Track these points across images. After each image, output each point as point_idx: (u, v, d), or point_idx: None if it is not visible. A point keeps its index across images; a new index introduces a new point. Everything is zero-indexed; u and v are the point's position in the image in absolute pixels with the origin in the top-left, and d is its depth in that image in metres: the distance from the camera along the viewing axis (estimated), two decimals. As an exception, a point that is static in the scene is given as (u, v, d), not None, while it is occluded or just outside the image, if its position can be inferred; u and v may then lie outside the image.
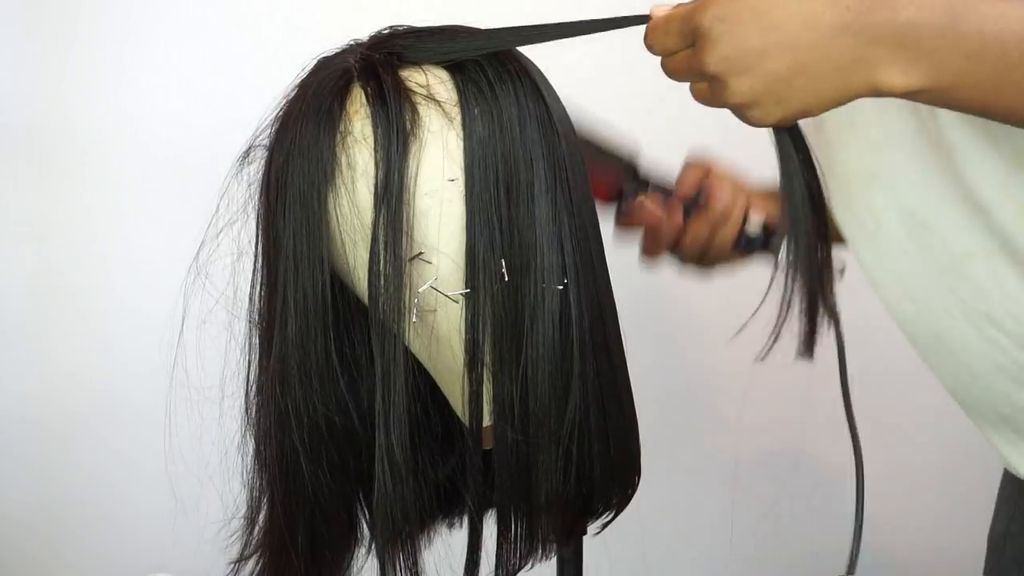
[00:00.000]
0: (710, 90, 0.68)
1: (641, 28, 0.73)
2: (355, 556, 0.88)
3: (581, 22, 0.73)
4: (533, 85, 0.80)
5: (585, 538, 0.92)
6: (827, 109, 0.67)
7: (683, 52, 0.68)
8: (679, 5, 0.70)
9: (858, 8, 0.63)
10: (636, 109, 1.49)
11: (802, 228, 0.74)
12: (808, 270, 0.76)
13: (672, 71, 0.71)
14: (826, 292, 0.76)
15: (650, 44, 0.71)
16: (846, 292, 1.71)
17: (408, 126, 0.75)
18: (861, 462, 0.84)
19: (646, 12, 0.72)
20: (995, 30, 0.61)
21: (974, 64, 0.62)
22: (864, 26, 0.63)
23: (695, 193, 0.98)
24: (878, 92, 0.65)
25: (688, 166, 0.99)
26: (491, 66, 0.79)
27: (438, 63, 0.79)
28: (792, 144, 0.73)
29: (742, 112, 0.68)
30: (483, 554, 0.85)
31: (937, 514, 1.79)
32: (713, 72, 0.66)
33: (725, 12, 0.65)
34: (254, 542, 0.86)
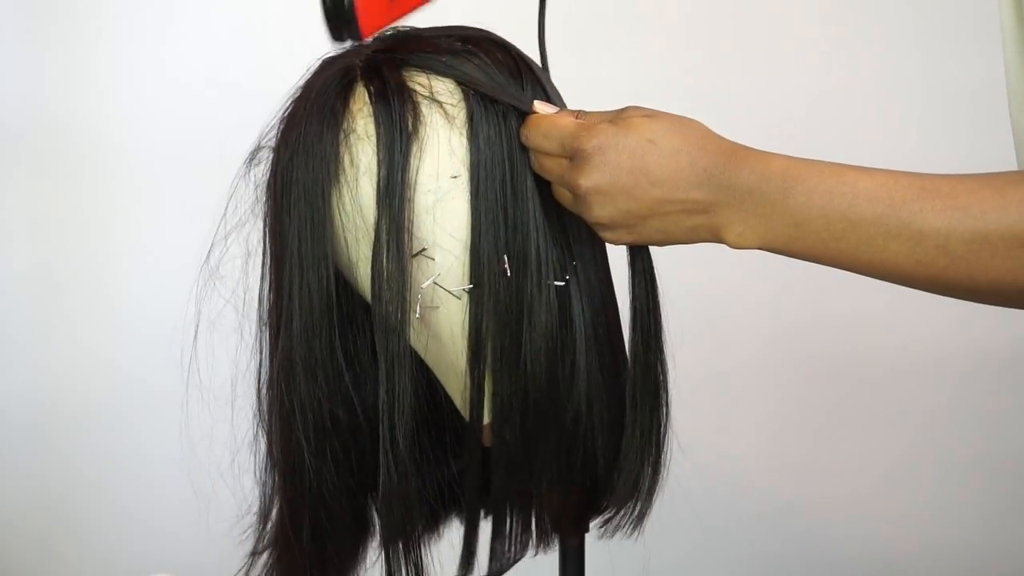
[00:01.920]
0: (573, 201, 0.76)
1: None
2: (366, 553, 0.89)
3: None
4: (535, 83, 0.81)
5: (587, 537, 0.92)
6: (675, 244, 0.76)
7: (556, 160, 0.76)
8: (561, 112, 0.77)
9: (712, 170, 0.71)
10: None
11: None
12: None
13: (540, 168, 0.78)
14: None
15: (526, 137, 0.78)
16: (849, 291, 1.73)
17: (411, 124, 0.76)
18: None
19: (528, 103, 0.78)
20: (820, 203, 0.69)
21: (802, 232, 0.70)
22: (715, 184, 0.71)
23: None
24: (719, 241, 0.74)
25: None
26: (493, 64, 0.80)
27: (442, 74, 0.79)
28: (638, 257, 0.82)
29: (596, 229, 0.77)
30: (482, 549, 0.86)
31: (956, 513, 1.78)
32: (582, 192, 0.74)
33: (608, 145, 0.73)
34: (266, 539, 0.87)
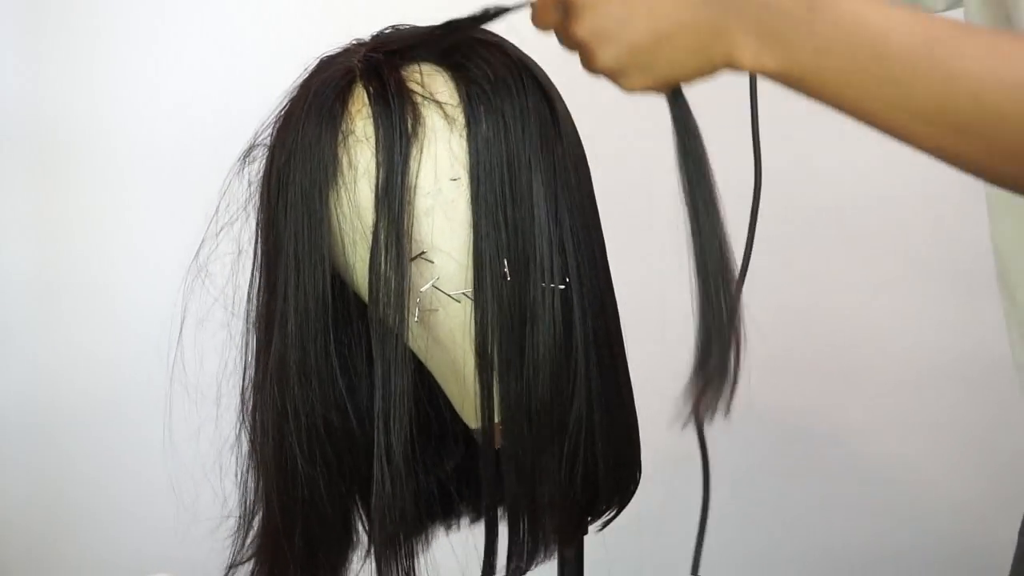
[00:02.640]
0: (581, 58, 0.70)
1: None
2: (351, 560, 0.88)
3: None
4: (535, 84, 0.80)
5: (585, 538, 0.92)
6: (692, 79, 0.69)
7: (554, 16, 0.70)
8: None
9: None
10: (635, 110, 1.50)
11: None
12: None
13: (562, 42, 0.72)
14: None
15: (535, 21, 0.72)
16: (849, 294, 1.72)
17: (410, 126, 0.75)
18: (708, 466, 0.84)
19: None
20: (848, 30, 0.62)
21: (822, 60, 0.63)
22: (725, 2, 0.65)
23: None
24: (734, 68, 0.67)
25: None
26: (493, 65, 0.79)
27: (438, 58, 0.78)
28: (679, 111, 0.73)
29: (613, 80, 0.70)
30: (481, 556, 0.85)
31: (960, 512, 1.78)
32: (581, 41, 0.68)
33: None
34: (250, 543, 0.86)
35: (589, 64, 0.70)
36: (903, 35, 0.61)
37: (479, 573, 0.85)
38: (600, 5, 0.67)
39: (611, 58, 0.68)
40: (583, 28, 0.68)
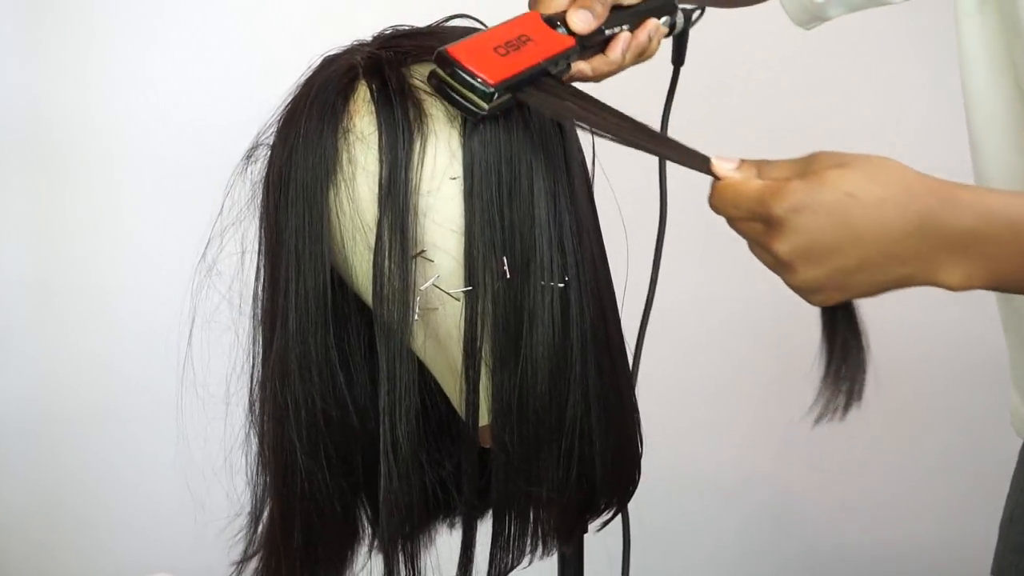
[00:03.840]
0: (774, 267, 0.71)
1: None
2: (355, 556, 0.89)
3: (642, 134, 0.74)
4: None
5: (586, 536, 0.92)
6: (884, 292, 0.70)
7: (751, 224, 0.70)
8: (743, 170, 0.71)
9: (924, 216, 0.66)
10: (635, 111, 1.50)
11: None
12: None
13: (737, 230, 0.72)
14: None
15: (714, 207, 0.72)
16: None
17: (412, 124, 0.76)
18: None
19: (707, 154, 0.72)
20: None
21: None
22: (930, 230, 0.66)
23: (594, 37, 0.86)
24: (936, 285, 0.69)
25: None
26: None
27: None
28: (841, 318, 0.74)
29: (803, 294, 0.71)
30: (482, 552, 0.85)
31: (948, 509, 1.78)
32: (783, 259, 0.68)
33: (802, 204, 0.66)
34: (257, 540, 0.86)
35: (783, 275, 0.70)
36: None
37: (486, 572, 0.86)
38: (810, 229, 0.67)
39: (811, 279, 0.68)
40: (787, 247, 0.68)
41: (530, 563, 0.86)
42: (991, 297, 0.94)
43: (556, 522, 0.85)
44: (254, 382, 0.85)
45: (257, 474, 0.86)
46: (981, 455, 1.66)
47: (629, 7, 0.82)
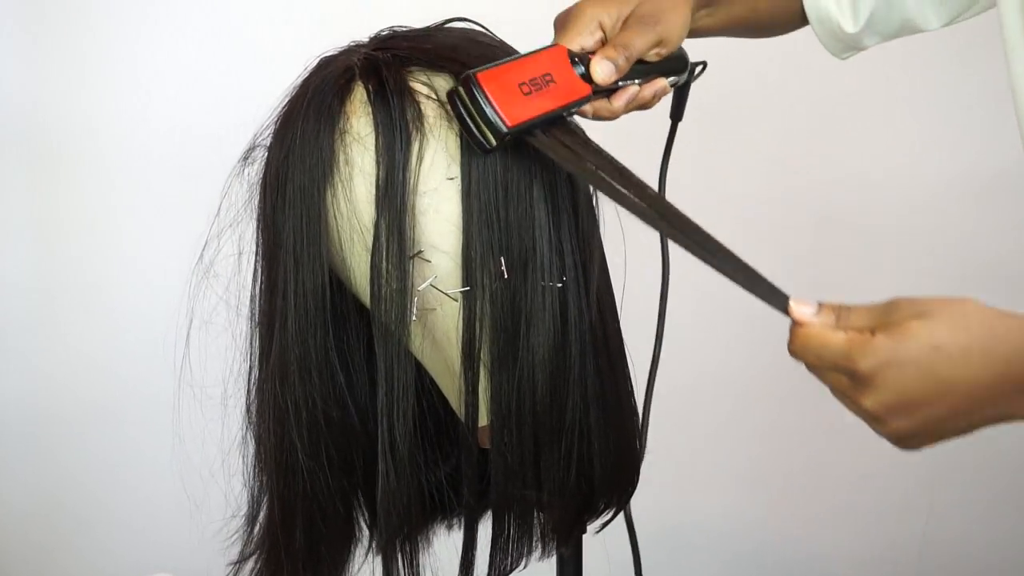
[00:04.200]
0: (863, 417, 0.70)
1: None
2: (353, 556, 0.89)
3: (726, 259, 0.73)
4: None
5: (585, 538, 0.92)
6: (974, 431, 0.70)
7: (835, 376, 0.70)
8: (822, 316, 0.70)
9: (1012, 358, 0.66)
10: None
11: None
12: None
13: (818, 377, 0.72)
14: None
15: (795, 355, 0.71)
16: (850, 295, 1.72)
17: (409, 125, 0.76)
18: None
19: (783, 300, 0.71)
20: None
21: None
22: (1017, 373, 0.66)
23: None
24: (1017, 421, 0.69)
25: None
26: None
27: (437, 59, 0.78)
28: None
29: (893, 442, 0.71)
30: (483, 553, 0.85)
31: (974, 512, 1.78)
32: (873, 413, 0.68)
33: (888, 361, 0.66)
34: (254, 540, 0.86)
35: (873, 426, 0.70)
36: None
37: (486, 573, 0.86)
38: (898, 384, 0.66)
39: (903, 429, 0.69)
40: (875, 402, 0.68)
41: (526, 565, 0.86)
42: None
43: (555, 523, 0.85)
44: (252, 383, 0.85)
45: (254, 475, 0.86)
46: (995, 461, 1.66)
47: (647, 63, 0.84)
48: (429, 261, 0.77)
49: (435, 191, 0.76)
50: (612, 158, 0.77)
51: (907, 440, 0.70)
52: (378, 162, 0.75)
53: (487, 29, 0.85)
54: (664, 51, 0.85)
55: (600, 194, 0.86)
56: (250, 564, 0.87)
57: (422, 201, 0.76)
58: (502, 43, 0.83)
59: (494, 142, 0.74)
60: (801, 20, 1.01)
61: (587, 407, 0.81)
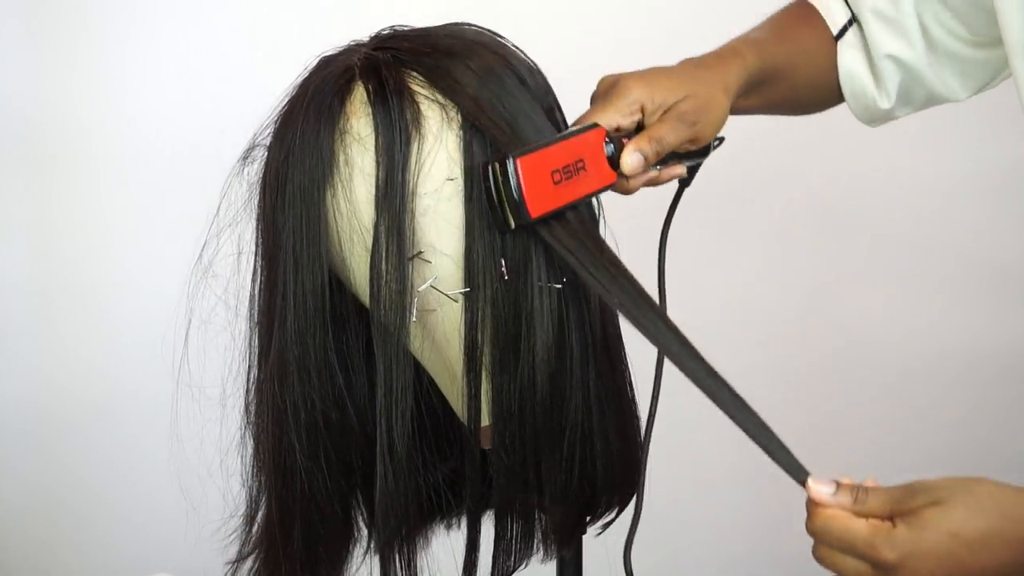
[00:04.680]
0: None
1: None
2: (352, 557, 0.89)
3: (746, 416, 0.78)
4: (532, 85, 0.80)
5: (585, 538, 0.92)
6: None
7: (853, 563, 0.70)
8: (840, 486, 0.71)
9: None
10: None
11: None
12: None
13: (831, 563, 0.72)
14: None
15: (814, 534, 0.73)
16: (850, 294, 1.72)
17: (409, 126, 0.75)
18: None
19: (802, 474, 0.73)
20: None
21: None
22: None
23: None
24: None
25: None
26: (493, 68, 0.79)
27: (436, 59, 0.78)
28: None
29: None
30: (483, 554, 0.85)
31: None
32: None
33: (910, 553, 0.67)
34: (252, 540, 0.86)
35: None
36: None
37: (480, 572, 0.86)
38: (922, 572, 0.68)
39: None
40: None
41: (526, 565, 0.86)
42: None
43: (556, 525, 0.85)
44: (250, 384, 0.85)
45: (253, 475, 0.86)
46: (994, 457, 1.65)
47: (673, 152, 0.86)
48: (429, 262, 0.77)
49: (435, 192, 0.76)
50: (615, 259, 0.78)
51: None
52: (378, 162, 0.75)
53: (491, 31, 0.84)
54: (694, 147, 0.87)
55: (598, 194, 0.86)
56: (248, 563, 0.87)
57: (422, 202, 0.76)
58: (502, 43, 0.82)
59: (513, 226, 0.75)
60: (839, 96, 1.05)
61: (588, 408, 0.81)
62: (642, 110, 0.83)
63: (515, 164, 0.73)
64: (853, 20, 1.02)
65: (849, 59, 1.02)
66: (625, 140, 0.82)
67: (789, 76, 0.99)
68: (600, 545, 0.92)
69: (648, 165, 0.83)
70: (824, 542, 0.72)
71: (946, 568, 0.68)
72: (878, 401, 1.73)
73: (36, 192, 1.63)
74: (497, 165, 0.74)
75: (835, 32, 1.02)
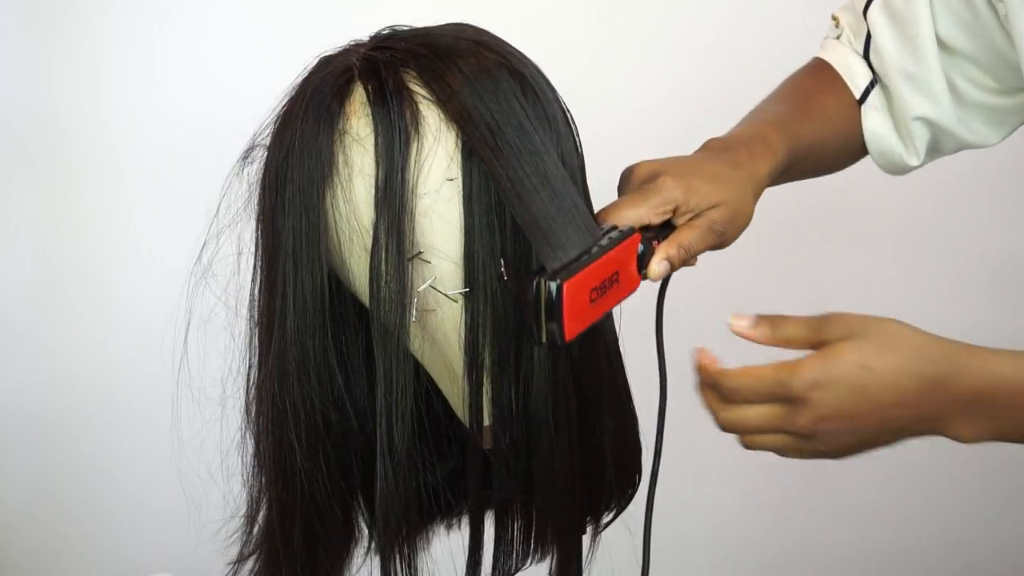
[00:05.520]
0: (796, 443, 0.74)
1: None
2: (352, 557, 0.89)
3: None
4: (532, 88, 0.80)
5: (584, 538, 0.92)
6: (900, 442, 0.75)
7: (765, 410, 0.73)
8: (760, 318, 0.74)
9: (935, 381, 0.71)
10: (636, 112, 1.50)
11: None
12: None
13: (746, 426, 0.74)
14: None
15: (731, 393, 0.74)
16: (850, 294, 1.72)
17: (408, 126, 0.75)
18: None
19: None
20: None
21: None
22: (940, 393, 0.71)
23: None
24: (949, 437, 0.73)
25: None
26: (492, 69, 0.79)
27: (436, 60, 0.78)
28: None
29: (825, 457, 0.75)
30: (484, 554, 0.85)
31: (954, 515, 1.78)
32: (806, 432, 0.72)
33: (820, 382, 0.70)
34: (253, 541, 0.86)
35: (806, 449, 0.74)
36: None
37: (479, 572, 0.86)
38: (827, 404, 0.70)
39: (834, 446, 0.73)
40: (808, 420, 0.71)
41: (528, 565, 0.86)
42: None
43: (557, 525, 0.85)
44: (250, 384, 0.85)
45: (253, 475, 0.86)
46: (995, 460, 1.66)
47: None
48: (429, 262, 0.77)
49: (435, 192, 0.76)
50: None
51: (837, 454, 0.74)
52: (377, 163, 0.75)
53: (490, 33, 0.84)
54: (716, 249, 0.88)
55: (597, 193, 0.86)
56: (249, 564, 0.87)
57: (422, 202, 0.76)
58: (503, 43, 0.82)
59: (543, 342, 0.74)
60: (863, 155, 1.06)
61: (588, 408, 0.81)
62: (675, 210, 0.84)
63: (562, 290, 0.72)
64: (875, 81, 1.02)
65: (873, 122, 1.03)
66: (655, 243, 0.82)
67: (816, 152, 1.00)
68: (600, 545, 0.92)
69: (673, 271, 0.84)
70: (734, 401, 0.73)
71: (855, 399, 0.70)
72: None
73: (36, 192, 1.64)
74: (543, 286, 0.73)
75: (858, 96, 1.03)
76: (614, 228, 0.80)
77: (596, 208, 0.84)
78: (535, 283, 0.73)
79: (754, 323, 0.74)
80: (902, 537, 1.79)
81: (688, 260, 0.85)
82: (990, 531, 1.76)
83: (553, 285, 0.72)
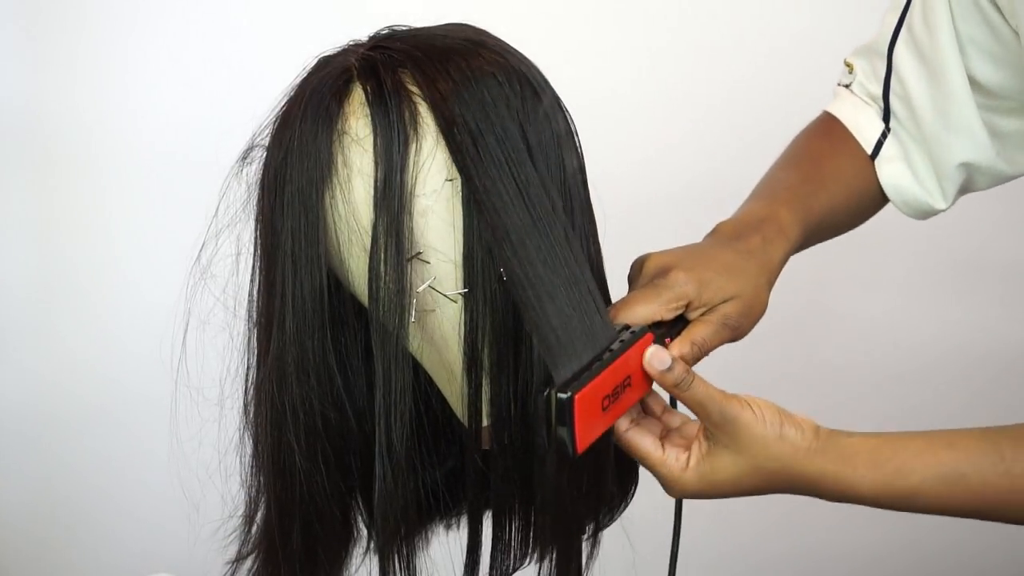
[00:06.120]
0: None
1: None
2: (351, 557, 0.89)
3: None
4: (532, 89, 0.80)
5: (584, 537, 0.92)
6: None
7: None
8: (679, 369, 0.77)
9: (776, 475, 0.82)
10: (635, 113, 1.50)
11: None
12: None
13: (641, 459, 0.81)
14: None
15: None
16: (849, 293, 1.72)
17: (407, 127, 0.75)
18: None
19: None
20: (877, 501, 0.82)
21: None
22: (783, 484, 0.83)
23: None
24: None
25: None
26: (492, 69, 0.78)
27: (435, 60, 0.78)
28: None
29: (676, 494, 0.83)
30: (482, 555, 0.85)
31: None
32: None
33: (679, 480, 0.80)
34: (252, 540, 0.86)
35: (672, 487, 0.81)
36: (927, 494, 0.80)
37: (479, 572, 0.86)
38: (687, 487, 0.80)
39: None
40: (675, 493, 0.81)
41: (526, 565, 0.86)
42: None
43: (556, 525, 0.85)
44: (249, 384, 0.85)
45: (252, 476, 0.86)
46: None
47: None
48: (428, 263, 0.77)
49: (434, 193, 0.76)
50: None
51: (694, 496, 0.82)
52: (376, 164, 0.75)
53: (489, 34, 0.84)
54: (731, 342, 0.87)
55: (597, 192, 0.86)
56: (248, 563, 0.87)
57: (421, 203, 0.76)
58: (502, 44, 0.82)
59: (550, 447, 0.74)
60: (880, 207, 1.05)
61: None
62: (687, 305, 0.83)
63: (573, 402, 0.71)
64: (886, 132, 1.01)
65: (890, 174, 1.01)
66: (667, 340, 0.81)
67: (830, 221, 0.99)
68: (600, 545, 0.92)
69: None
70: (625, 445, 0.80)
71: (708, 490, 0.80)
72: (877, 400, 1.73)
73: (36, 192, 1.64)
74: (554, 398, 0.71)
75: (869, 151, 1.01)
76: (626, 328, 0.78)
77: (597, 216, 0.84)
78: (546, 395, 0.72)
79: (670, 367, 0.77)
80: (902, 537, 1.79)
81: (701, 356, 0.84)
82: (990, 531, 1.76)
83: (564, 397, 0.71)
